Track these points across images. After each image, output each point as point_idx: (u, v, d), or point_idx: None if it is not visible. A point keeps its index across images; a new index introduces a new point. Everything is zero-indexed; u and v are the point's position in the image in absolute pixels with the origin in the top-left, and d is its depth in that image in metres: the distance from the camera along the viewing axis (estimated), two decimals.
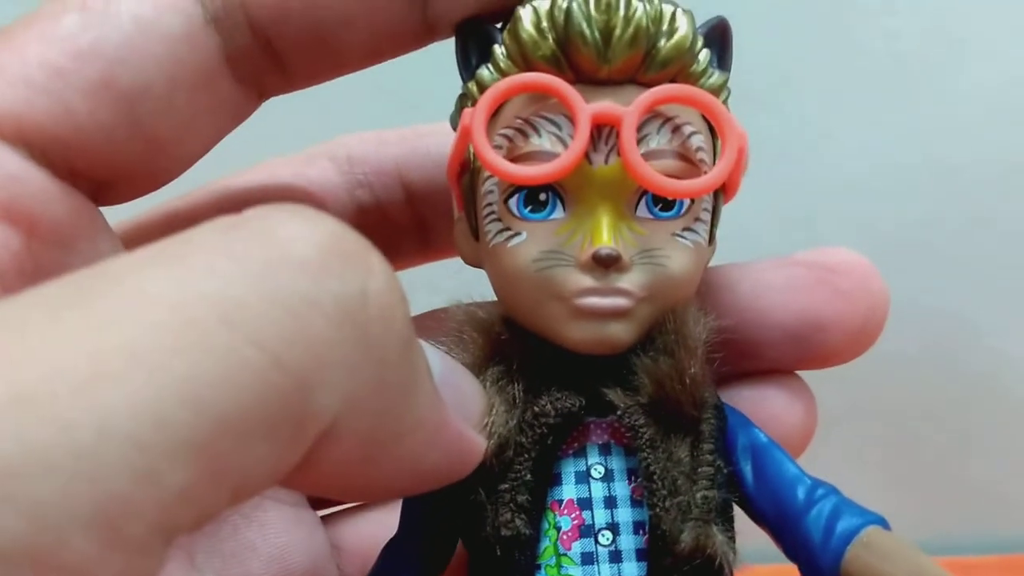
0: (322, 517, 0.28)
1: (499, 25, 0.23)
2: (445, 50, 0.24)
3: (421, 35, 0.24)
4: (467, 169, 0.24)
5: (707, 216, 0.23)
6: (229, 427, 0.14)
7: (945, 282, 0.49)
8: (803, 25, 0.48)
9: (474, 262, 0.24)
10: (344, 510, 0.28)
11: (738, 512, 0.23)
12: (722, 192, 0.24)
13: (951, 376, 0.51)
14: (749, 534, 0.22)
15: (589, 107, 0.21)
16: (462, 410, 0.20)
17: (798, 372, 0.27)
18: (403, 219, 0.28)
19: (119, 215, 0.25)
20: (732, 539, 0.22)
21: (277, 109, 0.25)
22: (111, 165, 0.22)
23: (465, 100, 0.23)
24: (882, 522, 0.21)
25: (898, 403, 0.50)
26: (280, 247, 0.16)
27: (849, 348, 0.25)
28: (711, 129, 0.23)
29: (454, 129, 0.24)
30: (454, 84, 0.24)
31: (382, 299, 0.16)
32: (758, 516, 0.22)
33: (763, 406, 0.25)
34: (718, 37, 0.23)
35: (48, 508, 0.13)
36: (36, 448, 0.13)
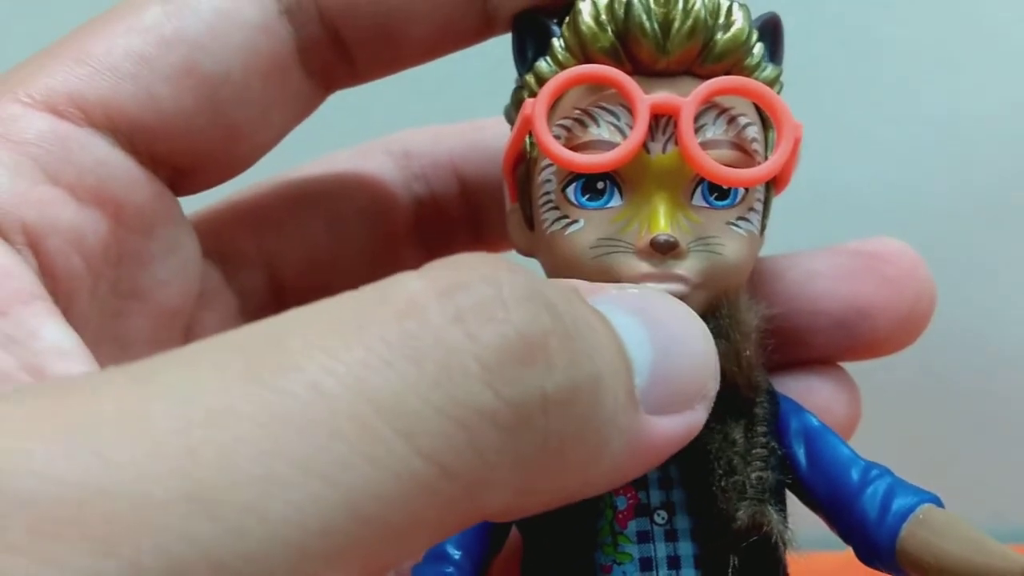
0: None
1: (554, 20, 0.24)
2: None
3: (481, 28, 0.25)
4: (523, 159, 0.24)
5: (760, 206, 0.23)
6: (391, 533, 0.14)
7: (963, 270, 0.49)
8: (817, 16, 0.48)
9: (527, 252, 0.25)
10: None
11: (791, 498, 0.23)
12: (773, 184, 0.24)
13: (968, 364, 0.51)
14: (800, 521, 0.23)
15: (648, 97, 0.22)
16: (676, 401, 0.18)
17: (844, 364, 0.27)
18: (457, 212, 0.29)
19: (187, 206, 0.25)
20: (786, 520, 0.22)
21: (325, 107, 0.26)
22: (190, 151, 0.23)
23: (522, 92, 0.24)
24: (936, 500, 0.21)
25: (915, 390, 0.50)
26: (458, 349, 0.15)
27: (896, 336, 0.26)
28: (762, 120, 0.23)
29: (508, 121, 0.25)
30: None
31: (562, 395, 0.15)
32: (811, 499, 0.23)
33: (809, 397, 0.26)
34: (770, 31, 0.24)
35: None
36: (209, 551, 0.13)
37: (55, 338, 0.20)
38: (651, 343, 0.18)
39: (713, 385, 0.19)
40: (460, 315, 0.15)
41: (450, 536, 0.16)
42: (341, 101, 0.26)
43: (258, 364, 0.14)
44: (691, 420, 0.19)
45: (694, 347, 0.19)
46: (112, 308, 0.23)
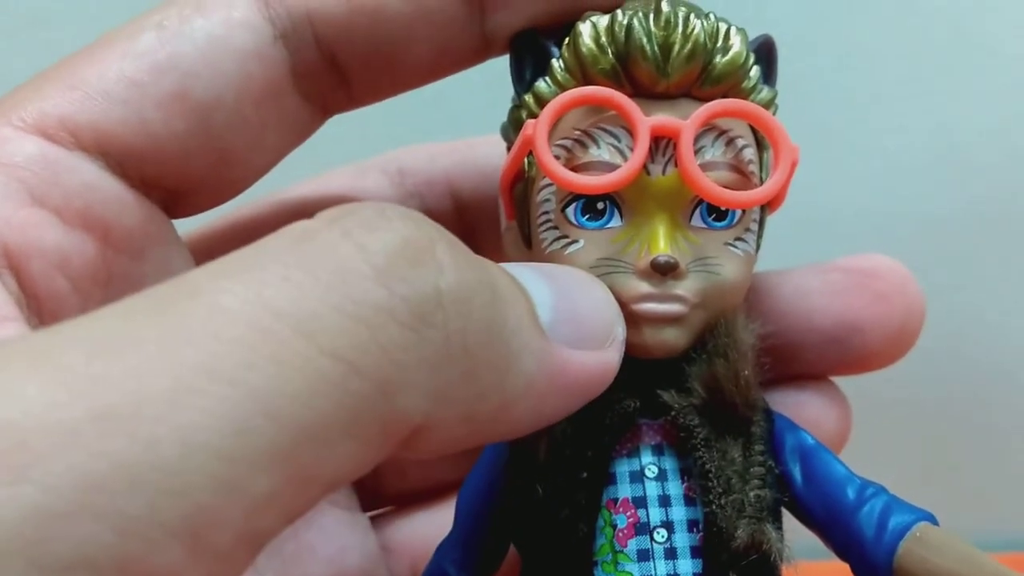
0: (370, 518, 0.28)
1: (552, 40, 0.24)
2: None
3: (478, 50, 0.25)
4: (521, 178, 0.24)
5: (755, 227, 0.24)
6: (310, 434, 0.15)
7: (961, 276, 0.50)
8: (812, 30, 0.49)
9: None
10: (391, 511, 0.29)
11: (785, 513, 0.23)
12: (768, 204, 0.24)
13: (968, 371, 0.52)
14: (796, 532, 0.23)
15: (649, 120, 0.22)
16: (585, 339, 0.19)
17: (835, 379, 0.28)
18: (451, 229, 0.29)
19: (183, 227, 0.25)
20: (783, 537, 0.22)
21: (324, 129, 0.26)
22: (183, 175, 0.23)
23: (519, 111, 0.24)
24: (931, 518, 0.22)
25: (915, 399, 0.50)
26: (350, 256, 0.16)
27: (887, 351, 0.26)
28: (756, 141, 0.24)
29: (506, 140, 0.25)
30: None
31: (456, 293, 0.16)
32: (807, 516, 0.23)
33: (800, 412, 0.26)
34: (765, 54, 0.24)
35: (135, 521, 0.13)
36: (122, 464, 0.13)
37: None
38: (549, 287, 0.19)
39: (620, 330, 0.20)
40: (348, 231, 0.16)
41: (377, 446, 0.16)
42: (337, 118, 0.26)
43: (159, 300, 0.15)
44: (604, 359, 0.20)
45: (593, 292, 0.20)
46: None
